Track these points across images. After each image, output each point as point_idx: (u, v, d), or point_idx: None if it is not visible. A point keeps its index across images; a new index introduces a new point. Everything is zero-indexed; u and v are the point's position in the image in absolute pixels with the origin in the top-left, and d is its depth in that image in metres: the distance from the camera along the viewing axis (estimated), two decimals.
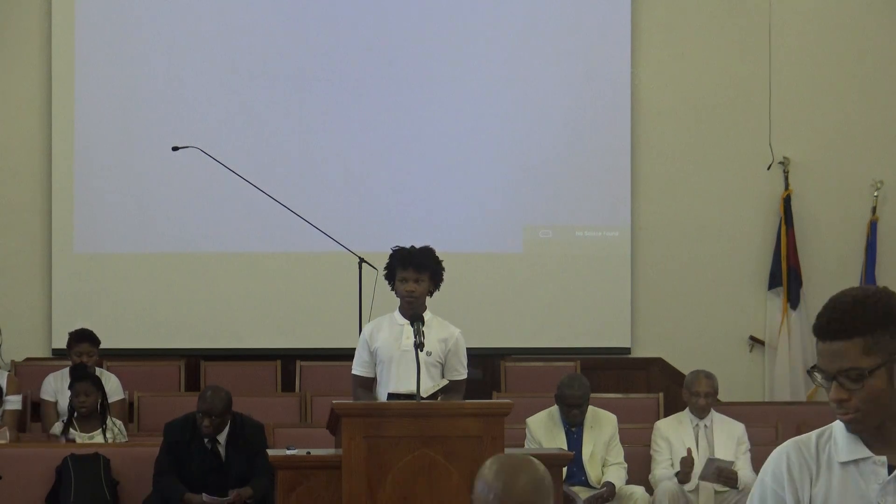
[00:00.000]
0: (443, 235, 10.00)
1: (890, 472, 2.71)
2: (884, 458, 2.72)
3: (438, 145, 10.56)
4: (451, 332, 6.67)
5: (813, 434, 2.82)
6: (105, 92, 10.39)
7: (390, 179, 10.52)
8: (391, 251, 6.72)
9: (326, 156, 10.51)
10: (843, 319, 2.67)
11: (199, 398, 7.73)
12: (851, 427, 2.72)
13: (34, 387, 9.13)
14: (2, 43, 10.51)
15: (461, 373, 6.71)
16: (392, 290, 6.72)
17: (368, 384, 6.69)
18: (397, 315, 6.68)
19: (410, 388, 6.35)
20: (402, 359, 6.54)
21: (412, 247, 6.68)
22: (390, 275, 6.67)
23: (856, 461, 2.74)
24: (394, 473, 6.07)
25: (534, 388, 9.75)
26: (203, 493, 7.54)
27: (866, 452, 2.72)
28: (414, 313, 6.51)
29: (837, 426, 2.78)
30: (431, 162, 10.55)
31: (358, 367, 6.72)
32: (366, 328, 6.80)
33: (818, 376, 2.73)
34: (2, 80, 10.50)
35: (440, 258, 6.68)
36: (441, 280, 6.68)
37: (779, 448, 2.84)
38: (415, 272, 6.56)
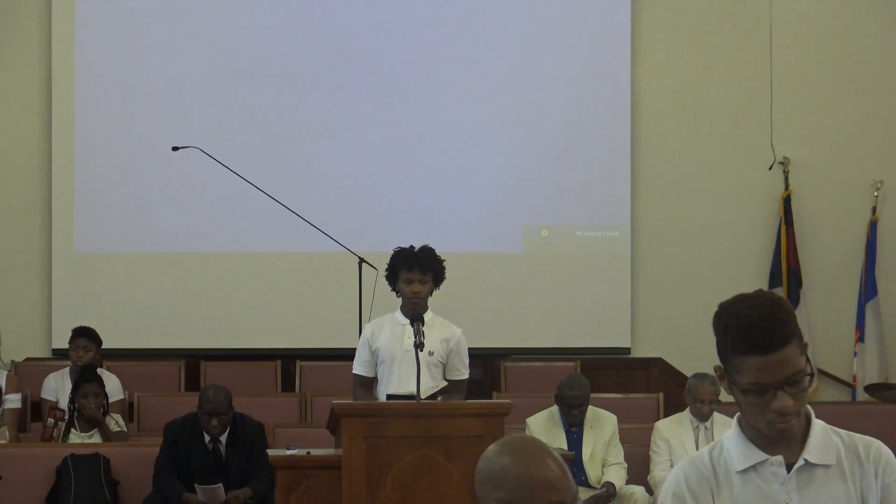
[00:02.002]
0: (443, 235, 9.99)
1: (788, 471, 2.73)
2: (779, 458, 2.73)
3: (438, 145, 10.56)
4: (452, 331, 6.67)
5: (704, 450, 2.82)
6: (105, 92, 10.39)
7: (390, 179, 10.52)
8: (393, 252, 6.71)
9: (326, 156, 10.51)
10: (781, 327, 2.67)
11: (201, 399, 7.70)
12: (790, 434, 2.71)
13: (34, 387, 9.13)
14: (2, 43, 10.51)
15: (462, 373, 6.71)
16: (393, 290, 6.71)
17: (369, 384, 6.69)
18: (399, 315, 6.69)
19: (411, 387, 6.35)
20: (404, 359, 6.55)
21: (411, 247, 6.68)
22: (392, 276, 6.66)
23: (753, 466, 2.75)
24: (394, 473, 6.07)
25: (534, 388, 9.74)
26: (196, 485, 7.52)
27: (761, 455, 2.74)
28: (416, 313, 6.51)
29: (727, 438, 2.79)
30: (431, 162, 10.55)
31: (359, 367, 6.72)
32: (367, 328, 6.80)
33: (754, 394, 2.68)
34: (2, 80, 10.50)
35: (441, 257, 6.69)
36: (443, 279, 6.69)
37: (674, 470, 2.83)
38: (420, 273, 6.57)
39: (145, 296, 10.36)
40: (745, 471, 2.75)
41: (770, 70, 10.78)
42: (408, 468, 6.07)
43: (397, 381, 6.55)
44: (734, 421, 2.81)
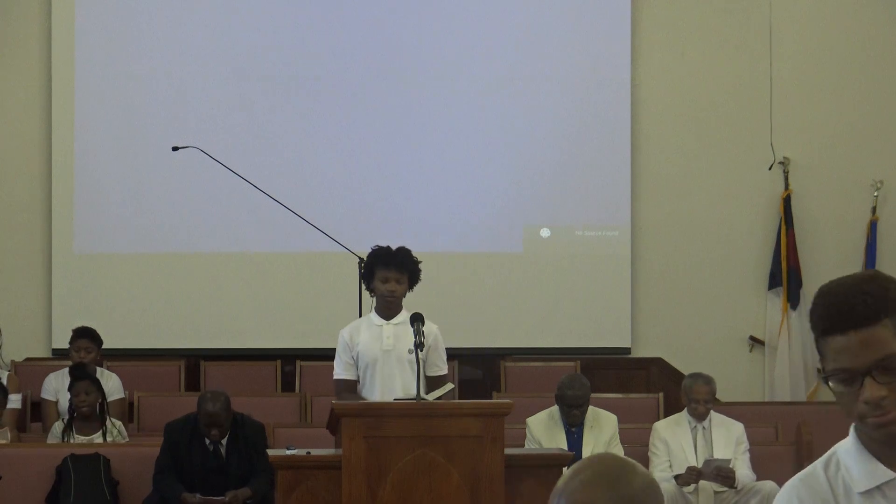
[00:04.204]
0: (443, 235, 10.02)
1: None
2: None
3: (438, 145, 10.56)
4: (429, 328, 6.66)
5: (817, 465, 2.38)
6: (105, 92, 10.39)
7: (390, 179, 10.52)
8: (371, 250, 6.71)
9: (326, 156, 10.51)
10: (864, 302, 2.23)
11: (200, 406, 7.66)
12: (893, 428, 2.25)
13: (34, 387, 9.13)
14: (2, 43, 10.51)
15: (442, 368, 6.71)
16: (368, 289, 6.71)
17: (353, 387, 6.68)
18: (374, 316, 6.69)
19: (395, 387, 6.38)
20: (385, 360, 6.56)
21: (390, 248, 6.68)
22: (369, 275, 6.66)
23: (878, 487, 2.30)
24: (394, 473, 6.07)
25: (534, 388, 9.74)
26: (196, 494, 7.52)
27: (889, 474, 2.30)
28: (416, 313, 6.52)
29: (843, 451, 2.36)
30: (431, 162, 10.54)
31: (342, 372, 6.69)
32: (343, 332, 6.76)
33: (838, 381, 2.27)
34: (2, 80, 10.50)
35: (417, 259, 6.69)
36: (417, 281, 6.69)
37: (785, 490, 2.41)
38: (396, 272, 6.58)
39: (145, 296, 10.36)
40: (868, 492, 2.30)
41: (770, 70, 10.78)
42: (408, 468, 6.07)
43: (381, 381, 6.56)
44: (851, 430, 2.34)
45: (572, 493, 2.16)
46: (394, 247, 6.69)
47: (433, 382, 6.65)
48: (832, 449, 2.39)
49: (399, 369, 6.34)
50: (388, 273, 6.57)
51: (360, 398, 6.63)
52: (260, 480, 7.58)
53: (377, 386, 6.55)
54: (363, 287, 8.14)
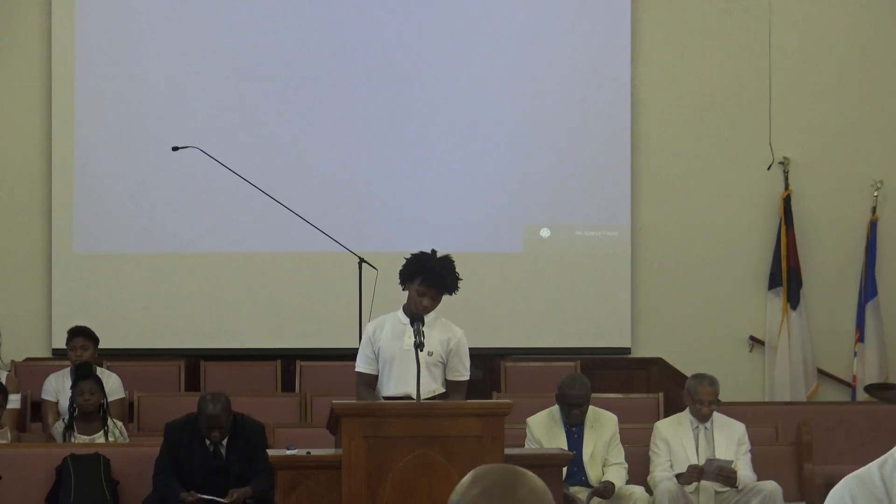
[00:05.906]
0: (443, 235, 10.00)
1: None
2: None
3: (438, 145, 10.56)
4: (453, 332, 6.68)
5: (873, 466, 2.38)
6: (105, 92, 10.39)
7: (390, 179, 10.53)
8: (418, 255, 6.66)
9: (326, 156, 10.51)
10: None
11: (200, 408, 7.64)
12: None
13: (34, 387, 9.12)
14: (2, 43, 10.51)
15: (462, 374, 6.70)
16: (400, 283, 6.69)
17: (372, 381, 6.70)
18: (401, 314, 6.69)
19: (409, 387, 6.36)
20: (403, 358, 6.56)
21: (434, 253, 6.64)
22: (409, 276, 6.63)
23: None
24: (394, 473, 6.07)
25: (534, 388, 9.75)
26: (197, 495, 7.52)
27: None
28: (413, 314, 6.52)
29: None
30: (431, 162, 10.55)
31: (361, 365, 6.73)
32: (369, 326, 6.81)
33: None
34: (2, 80, 10.50)
35: (459, 274, 6.67)
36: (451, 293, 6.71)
37: (838, 487, 2.39)
38: (437, 292, 6.58)
39: (145, 296, 10.36)
40: None
41: (769, 70, 10.78)
42: (408, 468, 6.08)
43: (396, 379, 6.56)
44: None
45: None
46: (436, 251, 6.68)
47: (452, 387, 6.65)
48: (890, 451, 2.37)
49: (414, 368, 6.33)
50: (429, 290, 6.56)
51: (374, 395, 6.64)
52: (260, 480, 7.58)
53: (393, 383, 6.56)
54: (361, 287, 8.16)
